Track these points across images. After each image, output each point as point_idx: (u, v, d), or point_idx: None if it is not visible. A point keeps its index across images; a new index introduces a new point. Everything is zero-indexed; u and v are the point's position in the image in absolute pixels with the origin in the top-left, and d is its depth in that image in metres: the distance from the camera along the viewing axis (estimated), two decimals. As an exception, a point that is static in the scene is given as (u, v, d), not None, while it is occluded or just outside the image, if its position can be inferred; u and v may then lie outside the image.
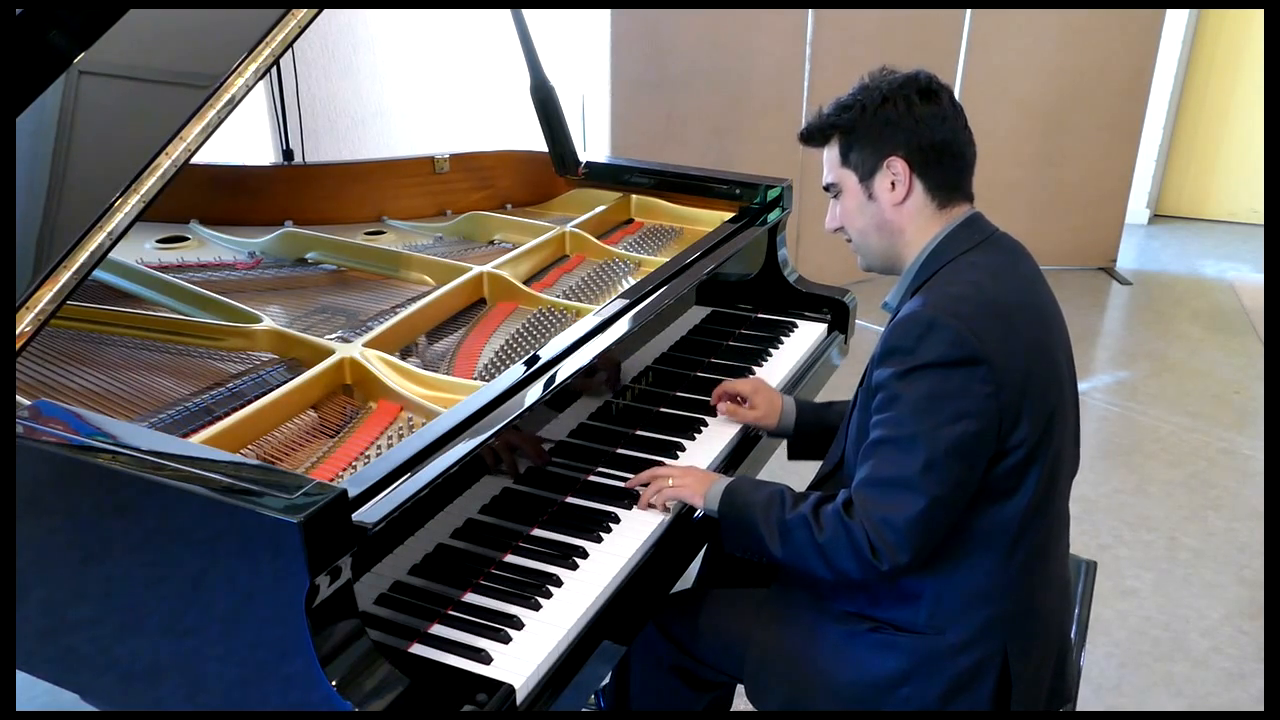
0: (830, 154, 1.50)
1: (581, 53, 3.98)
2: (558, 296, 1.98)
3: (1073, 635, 1.62)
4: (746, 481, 1.53)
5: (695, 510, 1.64)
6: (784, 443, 1.92)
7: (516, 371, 1.52)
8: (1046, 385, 1.38)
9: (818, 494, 1.44)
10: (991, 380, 1.31)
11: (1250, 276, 4.94)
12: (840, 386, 2.80)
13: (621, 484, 1.63)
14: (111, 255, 1.40)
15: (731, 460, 1.81)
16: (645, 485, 1.59)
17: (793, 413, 1.82)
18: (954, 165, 1.45)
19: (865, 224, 1.49)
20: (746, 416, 1.83)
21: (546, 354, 1.57)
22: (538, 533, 1.52)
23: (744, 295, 2.26)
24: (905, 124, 1.42)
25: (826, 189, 1.52)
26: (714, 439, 1.81)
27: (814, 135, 1.51)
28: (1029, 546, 1.41)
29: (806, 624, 1.51)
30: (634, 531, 1.53)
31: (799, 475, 1.79)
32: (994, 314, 1.35)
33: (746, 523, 1.46)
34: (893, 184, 1.44)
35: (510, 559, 1.46)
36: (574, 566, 1.45)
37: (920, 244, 1.46)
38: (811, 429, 1.81)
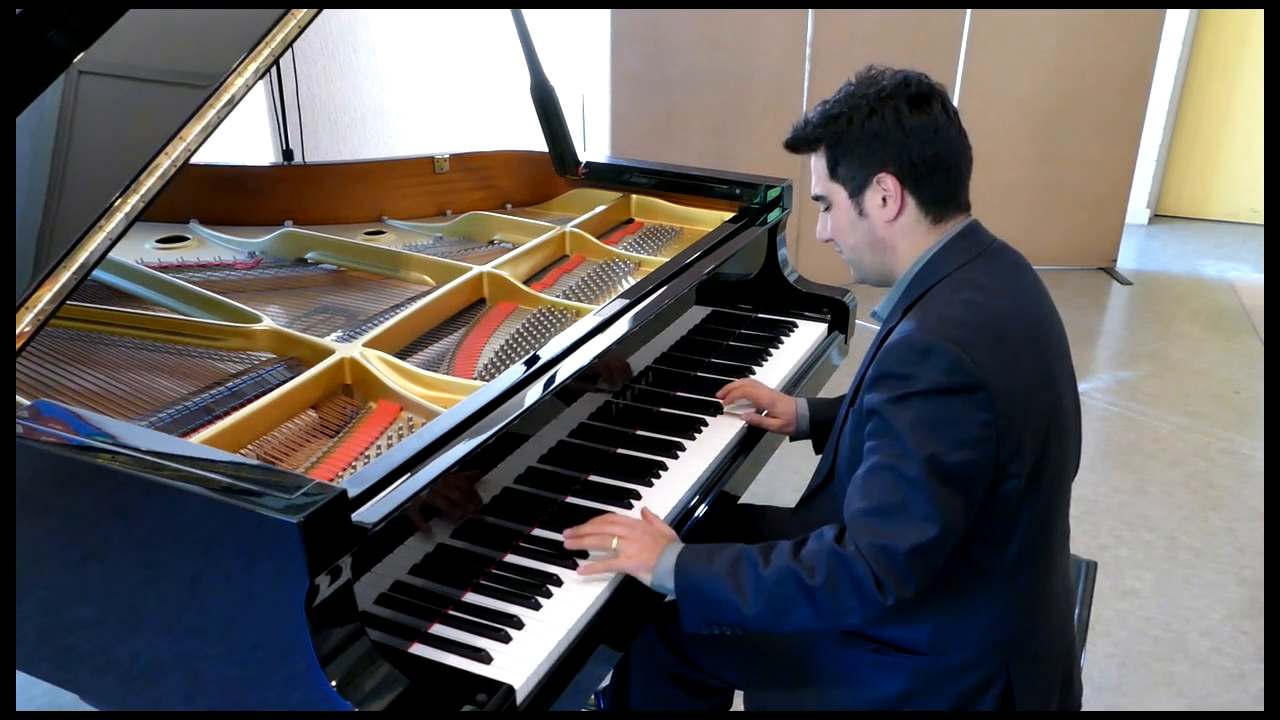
0: (818, 165, 1.45)
1: (581, 53, 3.99)
2: (558, 296, 1.97)
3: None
4: (697, 553, 1.39)
5: (695, 512, 1.63)
6: (783, 441, 1.93)
7: (516, 371, 1.52)
8: (1045, 411, 1.33)
9: (787, 543, 1.34)
10: (989, 407, 1.25)
11: (1250, 276, 4.94)
12: (840, 386, 2.79)
13: (622, 485, 1.63)
14: (111, 255, 1.40)
15: (732, 461, 1.80)
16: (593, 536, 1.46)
17: (806, 414, 1.83)
18: (948, 177, 1.39)
19: (857, 241, 1.44)
20: (770, 425, 1.83)
21: (546, 354, 1.57)
22: (538, 532, 1.52)
23: (744, 295, 2.26)
24: (895, 138, 1.35)
25: (816, 199, 1.48)
26: (714, 439, 1.80)
27: (800, 145, 1.46)
28: (1030, 570, 1.38)
29: (806, 643, 1.49)
30: (634, 531, 1.53)
31: (798, 476, 1.79)
32: (992, 337, 1.29)
33: (709, 595, 1.35)
34: (884, 200, 1.38)
35: (510, 559, 1.46)
36: (574, 566, 1.44)
37: (913, 257, 1.41)
38: (829, 425, 1.74)
